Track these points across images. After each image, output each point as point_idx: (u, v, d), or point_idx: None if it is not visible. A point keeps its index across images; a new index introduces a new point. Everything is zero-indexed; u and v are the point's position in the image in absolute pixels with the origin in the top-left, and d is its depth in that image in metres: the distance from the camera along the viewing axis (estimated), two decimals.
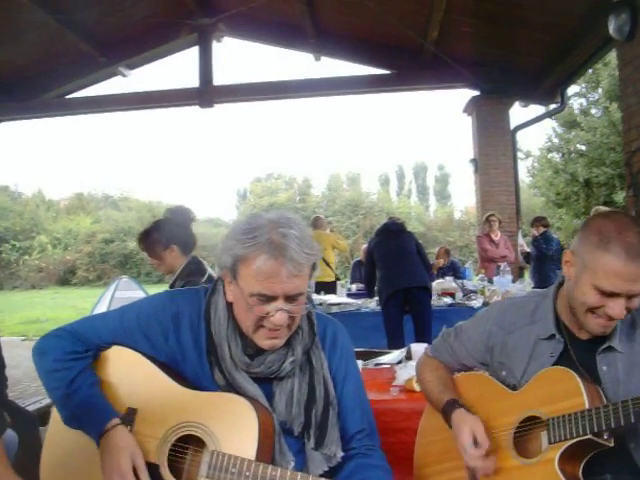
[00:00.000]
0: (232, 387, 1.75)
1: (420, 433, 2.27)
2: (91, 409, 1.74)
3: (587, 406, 1.74)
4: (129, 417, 1.77)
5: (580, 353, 1.92)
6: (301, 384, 1.81)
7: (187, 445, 1.72)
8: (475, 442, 1.89)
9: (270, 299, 1.64)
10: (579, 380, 1.79)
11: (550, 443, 1.80)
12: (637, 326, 1.90)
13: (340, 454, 1.80)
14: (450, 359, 2.25)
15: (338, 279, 10.13)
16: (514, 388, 2.01)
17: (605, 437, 1.74)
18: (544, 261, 9.03)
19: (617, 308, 1.76)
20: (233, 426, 1.66)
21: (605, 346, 1.88)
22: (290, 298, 1.66)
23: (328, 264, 9.98)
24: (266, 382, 1.80)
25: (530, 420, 1.89)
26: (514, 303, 2.17)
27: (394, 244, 6.64)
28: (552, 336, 1.97)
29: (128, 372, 1.83)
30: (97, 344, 1.87)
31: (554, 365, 1.92)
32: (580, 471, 1.79)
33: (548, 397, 1.85)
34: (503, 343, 2.08)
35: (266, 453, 1.67)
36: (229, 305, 1.79)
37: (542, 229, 9.25)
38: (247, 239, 1.64)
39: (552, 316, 1.99)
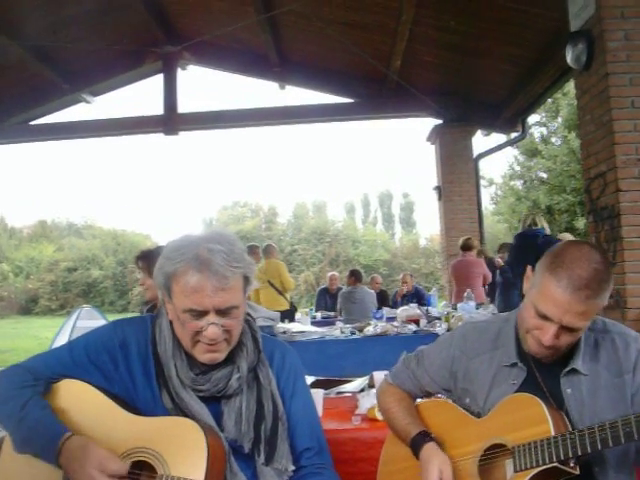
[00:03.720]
0: (180, 409, 1.74)
1: (382, 462, 2.22)
2: (43, 429, 1.69)
3: (553, 433, 1.72)
4: None
5: (545, 377, 1.91)
6: (249, 401, 1.81)
7: (140, 472, 1.67)
8: None
9: (201, 314, 1.66)
10: (544, 407, 1.77)
11: (516, 471, 1.77)
12: (600, 347, 1.89)
13: (291, 468, 1.79)
14: (412, 386, 2.21)
15: (294, 306, 10.08)
16: (478, 415, 1.98)
17: (571, 465, 1.71)
18: (510, 288, 9.06)
19: (546, 334, 1.76)
20: (181, 449, 1.63)
21: (568, 368, 1.86)
22: (222, 312, 1.67)
23: (280, 292, 9.93)
24: (214, 401, 1.79)
25: (495, 448, 1.86)
26: (476, 327, 2.14)
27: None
28: (514, 364, 1.95)
29: (77, 403, 1.79)
30: (48, 376, 1.82)
31: (518, 391, 1.91)
32: None
33: (513, 424, 1.83)
34: (466, 369, 2.05)
35: (217, 474, 1.65)
36: (172, 324, 1.79)
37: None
38: (176, 255, 1.67)
39: (514, 343, 1.97)
